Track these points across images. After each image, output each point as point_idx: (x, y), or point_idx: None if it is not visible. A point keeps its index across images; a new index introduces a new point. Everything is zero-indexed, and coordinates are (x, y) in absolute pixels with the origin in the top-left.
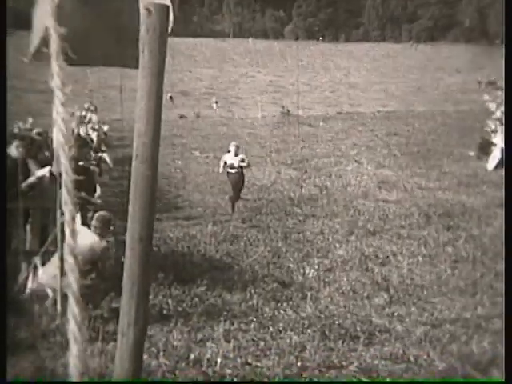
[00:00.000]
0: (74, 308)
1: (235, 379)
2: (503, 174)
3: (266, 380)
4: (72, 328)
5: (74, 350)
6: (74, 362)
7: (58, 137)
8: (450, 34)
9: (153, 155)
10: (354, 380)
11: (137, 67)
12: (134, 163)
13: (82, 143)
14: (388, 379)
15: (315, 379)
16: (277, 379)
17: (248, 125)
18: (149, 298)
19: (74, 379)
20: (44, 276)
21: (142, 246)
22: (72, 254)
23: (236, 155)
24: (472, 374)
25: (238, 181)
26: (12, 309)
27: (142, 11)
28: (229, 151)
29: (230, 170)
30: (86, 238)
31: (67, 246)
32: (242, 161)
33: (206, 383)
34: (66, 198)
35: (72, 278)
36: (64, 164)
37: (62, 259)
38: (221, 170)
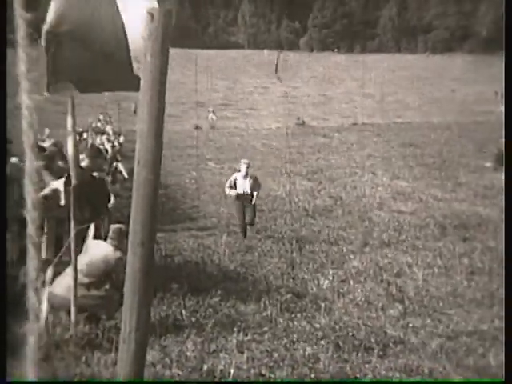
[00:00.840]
0: (33, 260)
1: None
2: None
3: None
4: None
5: (32, 299)
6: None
7: (23, 126)
8: (466, 45)
9: (155, 160)
10: (359, 380)
11: (134, 90)
12: (136, 168)
13: (95, 154)
14: None
15: None
16: None
17: (263, 136)
18: (151, 304)
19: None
20: (58, 287)
21: (143, 251)
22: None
23: (246, 175)
24: None
25: (247, 206)
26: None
27: (145, 16)
28: (239, 170)
29: (239, 193)
30: (100, 249)
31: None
32: (254, 184)
33: (207, 383)
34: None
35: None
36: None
37: (75, 270)
38: (228, 191)
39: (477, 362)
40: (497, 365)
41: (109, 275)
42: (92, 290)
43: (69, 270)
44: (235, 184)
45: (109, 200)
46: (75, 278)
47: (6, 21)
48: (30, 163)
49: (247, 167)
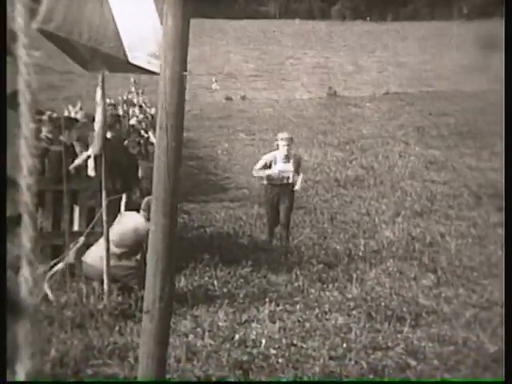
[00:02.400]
0: (28, 229)
1: (280, 360)
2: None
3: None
4: (26, 251)
5: (26, 272)
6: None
7: (20, 86)
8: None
9: (177, 125)
10: (364, 380)
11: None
12: (158, 133)
13: (113, 122)
14: (435, 361)
15: (361, 361)
16: (321, 361)
17: (294, 106)
18: (174, 274)
19: (26, 303)
20: (90, 257)
21: (166, 221)
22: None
23: (288, 156)
24: None
25: (283, 198)
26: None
27: None
28: (277, 147)
29: (273, 180)
30: (132, 220)
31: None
32: (298, 167)
33: (208, 383)
34: None
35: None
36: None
37: (107, 240)
38: (256, 173)
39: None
40: None
41: (140, 246)
42: (123, 261)
43: (101, 241)
44: (270, 167)
45: (137, 171)
46: (107, 249)
47: None
48: (26, 126)
49: (288, 144)
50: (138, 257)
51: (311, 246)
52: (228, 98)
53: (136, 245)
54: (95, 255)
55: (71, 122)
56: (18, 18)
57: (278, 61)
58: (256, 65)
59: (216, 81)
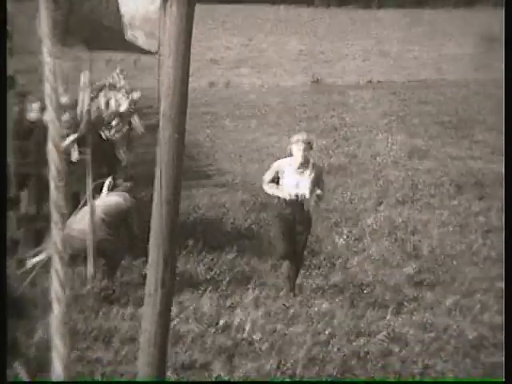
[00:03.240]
0: (57, 266)
1: (263, 345)
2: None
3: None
4: (55, 288)
5: (56, 310)
6: (56, 323)
7: (46, 89)
8: None
9: (181, 113)
10: (359, 380)
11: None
12: (161, 123)
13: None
14: (417, 348)
15: (344, 347)
16: (305, 346)
17: (278, 93)
18: (176, 260)
19: (56, 340)
20: (75, 227)
21: (168, 208)
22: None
23: (305, 164)
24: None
25: (300, 223)
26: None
27: None
28: (290, 153)
29: (288, 197)
30: (113, 197)
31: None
32: (318, 181)
33: (208, 383)
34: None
35: (55, 234)
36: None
37: (92, 216)
38: (268, 187)
39: (492, 319)
40: None
41: (124, 220)
42: (107, 232)
43: (83, 214)
44: (277, 181)
45: (117, 157)
46: (92, 223)
47: None
48: (53, 124)
49: (304, 149)
50: (121, 229)
51: None
52: (211, 84)
53: (120, 218)
54: (78, 227)
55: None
56: (42, 23)
57: (261, 47)
58: (240, 51)
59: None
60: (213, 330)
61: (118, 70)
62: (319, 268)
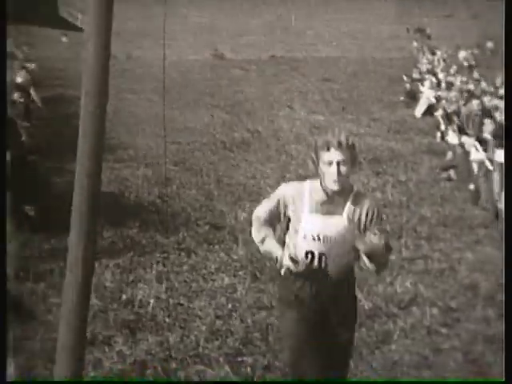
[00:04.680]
0: None
1: (167, 319)
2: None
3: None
4: None
5: None
6: None
7: None
8: None
9: (101, 90)
10: (359, 380)
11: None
12: (83, 99)
13: None
14: None
15: (247, 319)
16: (208, 320)
17: (180, 67)
18: (96, 234)
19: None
20: None
21: (89, 182)
22: None
23: (333, 201)
24: (395, 313)
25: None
26: None
27: None
28: (304, 178)
29: (304, 264)
30: None
31: None
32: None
33: (208, 383)
34: None
35: None
36: None
37: None
38: (258, 236)
39: (385, 290)
40: (402, 291)
41: None
42: None
43: None
44: (287, 227)
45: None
46: None
47: None
48: None
49: (339, 173)
50: None
51: (198, 208)
52: (113, 57)
53: None
54: None
55: None
56: None
57: (162, 19)
58: (141, 23)
59: (66, 34)
60: (115, 304)
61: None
62: (222, 242)
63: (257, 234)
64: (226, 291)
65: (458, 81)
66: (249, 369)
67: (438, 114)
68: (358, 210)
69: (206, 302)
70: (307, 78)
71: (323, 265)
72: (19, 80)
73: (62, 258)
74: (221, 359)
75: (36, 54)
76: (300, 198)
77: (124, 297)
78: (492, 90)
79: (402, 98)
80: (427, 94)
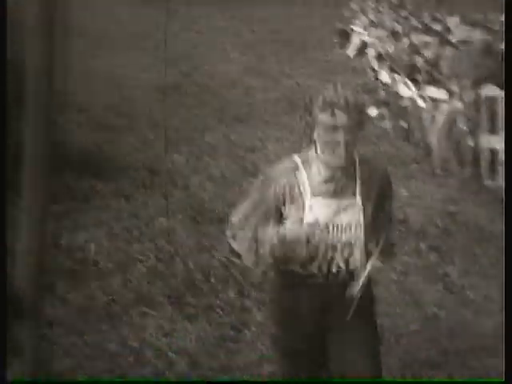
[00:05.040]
0: None
1: (109, 265)
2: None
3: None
4: None
5: None
6: None
7: None
8: None
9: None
10: (359, 380)
11: None
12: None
13: None
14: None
15: (188, 262)
16: (149, 263)
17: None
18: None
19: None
20: None
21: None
22: None
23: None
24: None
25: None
26: None
27: None
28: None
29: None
30: None
31: None
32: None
33: (209, 383)
34: None
35: None
36: None
37: None
38: (237, 244)
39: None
40: None
41: None
42: None
43: None
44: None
45: None
46: None
47: None
48: None
49: (346, 138)
50: None
51: (134, 152)
52: None
53: None
54: None
55: None
56: None
57: None
58: None
59: None
60: (56, 250)
61: None
62: (160, 186)
63: (233, 239)
64: (167, 235)
65: (387, 19)
66: (192, 309)
67: (370, 53)
68: (372, 187)
69: (146, 247)
70: (240, 20)
71: (337, 268)
72: None
73: None
74: (164, 301)
75: None
76: (296, 182)
77: (63, 242)
78: (420, 26)
79: (335, 40)
80: (358, 34)
